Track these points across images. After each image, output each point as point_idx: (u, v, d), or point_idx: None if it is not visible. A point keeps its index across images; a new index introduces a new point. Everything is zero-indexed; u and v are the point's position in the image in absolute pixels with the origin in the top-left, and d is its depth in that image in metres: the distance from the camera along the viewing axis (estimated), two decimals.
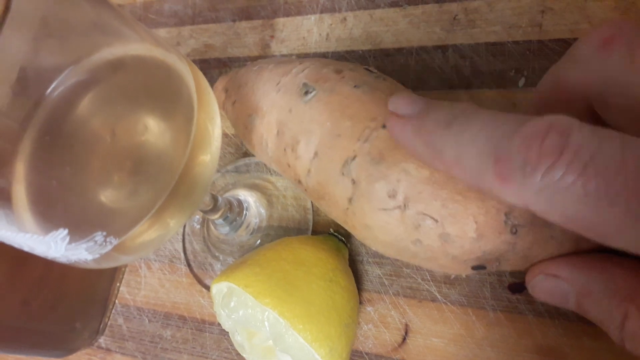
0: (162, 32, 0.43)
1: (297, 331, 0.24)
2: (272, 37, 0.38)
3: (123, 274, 0.37)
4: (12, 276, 0.31)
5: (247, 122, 0.28)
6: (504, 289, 0.27)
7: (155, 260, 0.37)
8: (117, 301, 0.37)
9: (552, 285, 0.21)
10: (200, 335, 0.34)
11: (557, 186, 0.15)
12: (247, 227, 0.34)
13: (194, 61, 0.41)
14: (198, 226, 0.36)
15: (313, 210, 0.33)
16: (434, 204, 0.21)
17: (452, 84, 0.32)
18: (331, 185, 0.24)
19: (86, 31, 0.22)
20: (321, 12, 0.37)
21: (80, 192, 0.20)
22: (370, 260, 0.31)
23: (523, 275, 0.27)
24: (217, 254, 0.34)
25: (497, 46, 0.31)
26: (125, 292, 0.37)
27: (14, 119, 0.20)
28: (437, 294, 0.29)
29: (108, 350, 0.36)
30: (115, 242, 0.21)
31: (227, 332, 0.32)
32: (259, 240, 0.33)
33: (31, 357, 0.38)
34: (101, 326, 0.37)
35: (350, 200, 0.24)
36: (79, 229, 0.20)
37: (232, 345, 0.32)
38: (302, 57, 0.37)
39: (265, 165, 0.35)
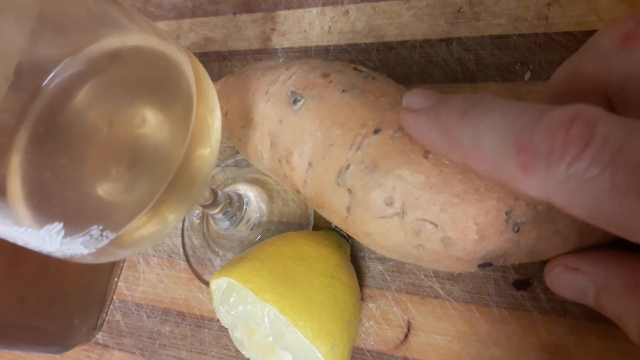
0: (161, 25, 0.42)
1: (298, 328, 0.24)
2: (273, 30, 0.38)
3: (121, 270, 0.37)
4: (8, 272, 0.31)
5: (241, 134, 0.28)
6: (508, 285, 0.27)
7: (153, 256, 0.36)
8: (115, 297, 0.37)
9: (571, 278, 0.21)
10: (199, 331, 0.33)
11: (582, 177, 0.15)
12: (247, 222, 0.33)
13: (194, 55, 0.40)
14: (197, 221, 0.36)
15: None
16: (433, 209, 0.21)
17: (456, 78, 0.31)
18: (328, 195, 0.24)
19: (84, 21, 0.22)
20: (323, 4, 0.36)
21: (75, 184, 0.20)
22: (372, 256, 0.30)
23: (528, 271, 0.27)
24: (216, 250, 0.34)
25: (503, 39, 0.31)
26: (124, 287, 0.37)
27: (9, 111, 0.20)
28: (440, 291, 0.28)
29: (106, 346, 0.36)
30: (111, 236, 0.20)
31: (227, 329, 0.31)
32: (260, 236, 0.33)
33: (28, 353, 0.38)
34: (99, 322, 0.36)
35: (348, 209, 0.23)
36: (74, 223, 0.19)
37: (231, 341, 0.32)
38: (303, 50, 0.36)
39: None
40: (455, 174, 0.21)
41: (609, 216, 0.15)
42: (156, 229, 0.22)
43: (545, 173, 0.16)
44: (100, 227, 0.20)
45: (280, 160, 0.26)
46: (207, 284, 0.34)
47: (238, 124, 0.28)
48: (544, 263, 0.23)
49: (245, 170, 0.35)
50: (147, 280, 0.36)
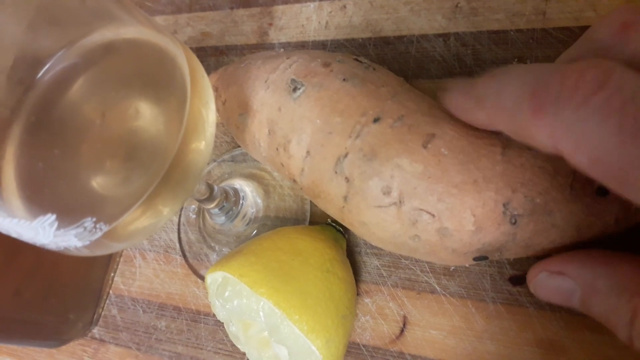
0: (158, 20, 0.42)
1: (293, 322, 0.23)
2: (270, 24, 0.38)
3: (117, 264, 0.37)
4: (3, 266, 0.31)
5: (239, 122, 0.28)
6: (504, 281, 0.27)
7: (150, 251, 0.36)
8: (111, 291, 0.37)
9: (556, 282, 0.21)
10: (195, 326, 0.33)
11: (591, 119, 0.15)
12: (244, 217, 0.33)
13: (191, 49, 0.40)
14: (194, 216, 0.35)
15: (310, 201, 0.32)
16: (430, 199, 0.21)
17: (453, 73, 0.31)
18: (325, 184, 0.24)
19: (79, 14, 0.22)
20: None
21: (68, 176, 0.20)
22: (368, 251, 0.30)
23: (524, 267, 0.27)
24: (212, 245, 0.34)
25: (500, 34, 0.31)
26: (120, 282, 0.36)
27: (4, 103, 0.20)
28: (436, 286, 0.28)
29: (102, 340, 0.36)
30: (105, 228, 0.20)
31: (223, 323, 0.31)
32: (256, 231, 0.33)
33: (24, 347, 0.38)
34: (95, 317, 0.36)
35: (345, 198, 0.23)
36: (68, 215, 0.19)
37: (227, 336, 0.32)
38: (301, 45, 0.36)
39: None
40: (454, 165, 0.21)
41: (611, 164, 0.15)
42: (150, 222, 0.22)
43: (554, 115, 0.16)
44: (94, 220, 0.20)
45: (277, 149, 0.26)
46: (203, 278, 0.34)
47: (236, 111, 0.28)
48: (539, 259, 0.23)
49: (242, 165, 0.35)
50: (144, 275, 0.36)
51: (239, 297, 0.25)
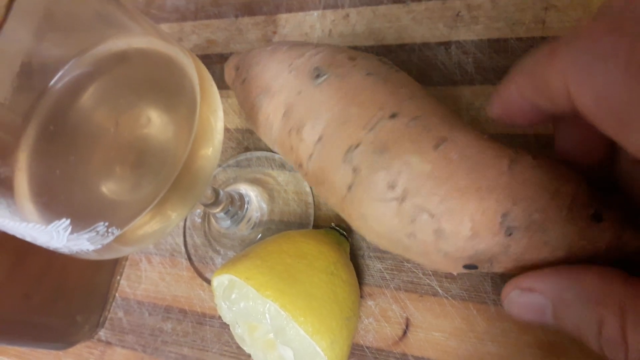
0: (164, 28, 0.43)
1: (299, 324, 0.24)
2: (274, 33, 0.38)
3: (123, 268, 0.37)
4: (13, 270, 0.31)
5: (255, 101, 0.28)
6: (505, 283, 0.27)
7: (155, 254, 0.37)
8: (117, 294, 0.37)
9: (527, 299, 0.21)
10: (200, 328, 0.34)
11: (600, 56, 0.15)
12: (248, 221, 0.34)
13: (196, 56, 0.41)
14: (199, 220, 0.36)
15: (314, 205, 0.33)
16: (433, 199, 0.21)
17: (455, 81, 0.32)
18: (332, 172, 0.24)
19: (90, 23, 0.22)
20: (324, 8, 0.37)
21: (82, 182, 0.20)
22: (371, 254, 0.31)
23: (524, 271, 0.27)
24: (218, 248, 0.34)
25: (501, 42, 0.31)
26: (126, 285, 0.37)
27: (16, 111, 0.20)
28: (438, 288, 0.29)
29: (108, 343, 0.36)
30: (117, 232, 0.21)
31: (228, 326, 0.32)
32: (260, 235, 0.33)
33: (32, 349, 0.38)
34: (101, 319, 0.37)
35: (349, 187, 0.24)
36: (81, 219, 0.20)
37: (232, 338, 0.33)
38: None
39: (266, 159, 0.35)
40: (461, 170, 0.21)
41: (615, 103, 0.15)
42: (159, 226, 0.23)
43: (566, 52, 0.16)
44: (106, 224, 0.20)
45: (290, 131, 0.26)
46: (208, 282, 0.34)
47: (254, 92, 0.28)
48: None
49: (246, 170, 0.36)
50: (149, 279, 0.36)
51: (245, 300, 0.25)
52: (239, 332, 0.28)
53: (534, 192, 0.21)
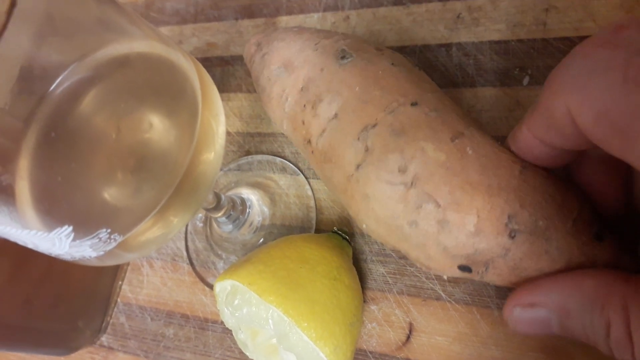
0: (164, 31, 0.43)
1: (302, 329, 0.24)
2: None
3: (125, 273, 0.37)
4: (14, 275, 0.31)
5: (273, 74, 0.28)
6: (508, 287, 0.27)
7: (157, 259, 0.37)
8: (119, 300, 0.37)
9: (531, 315, 0.21)
10: (202, 333, 0.34)
11: (597, 71, 0.15)
12: (250, 225, 0.33)
13: (197, 60, 0.41)
14: (201, 224, 0.36)
15: (316, 209, 0.33)
16: (442, 189, 0.21)
17: (455, 82, 0.32)
18: (343, 149, 0.24)
19: (90, 28, 0.22)
20: (324, 10, 0.37)
21: (84, 188, 0.20)
22: (374, 258, 0.31)
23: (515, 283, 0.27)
24: (219, 253, 0.34)
25: (501, 44, 0.31)
26: (128, 290, 0.37)
27: (17, 116, 0.20)
28: (442, 293, 0.28)
29: (110, 348, 0.36)
30: (119, 239, 0.21)
31: (230, 331, 0.32)
32: (262, 239, 0.33)
33: (33, 355, 0.38)
34: (103, 324, 0.37)
35: (358, 166, 0.23)
36: (84, 226, 0.20)
37: (235, 343, 0.32)
38: None
39: (267, 163, 0.35)
40: (474, 165, 0.21)
41: (616, 117, 0.15)
42: (162, 232, 0.23)
43: (564, 73, 0.16)
44: (109, 230, 0.20)
45: (305, 105, 0.26)
46: (210, 286, 0.34)
47: (275, 64, 0.28)
48: None
49: (248, 174, 0.36)
50: (151, 284, 0.36)
51: (248, 305, 0.25)
52: (242, 337, 0.28)
53: (542, 199, 0.21)
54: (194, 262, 0.35)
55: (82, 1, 0.21)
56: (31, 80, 0.20)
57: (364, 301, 0.30)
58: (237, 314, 0.25)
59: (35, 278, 0.32)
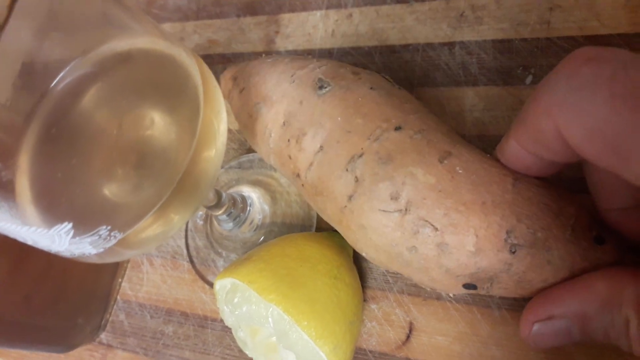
0: (165, 27, 0.43)
1: (302, 328, 0.24)
2: (277, 32, 0.38)
3: (125, 270, 0.37)
4: (13, 271, 0.31)
5: (253, 111, 0.28)
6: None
7: (157, 256, 0.36)
8: (118, 297, 0.37)
9: (552, 327, 0.21)
10: (202, 331, 0.34)
11: (584, 88, 0.15)
12: (251, 223, 0.33)
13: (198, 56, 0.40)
14: (201, 222, 0.36)
15: None
16: (437, 212, 0.21)
17: (458, 81, 0.31)
18: (332, 181, 0.24)
19: (92, 23, 0.22)
20: (327, 7, 0.37)
21: (84, 185, 0.20)
22: None
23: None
24: (220, 250, 0.34)
25: (505, 43, 0.31)
26: (127, 288, 0.37)
27: (17, 112, 0.20)
28: (442, 292, 0.28)
29: (109, 346, 0.36)
30: (119, 236, 0.20)
31: (230, 329, 0.32)
32: (263, 237, 0.33)
33: (33, 352, 0.38)
34: (103, 322, 0.37)
35: (350, 197, 0.23)
36: (84, 223, 0.19)
37: (234, 341, 0.32)
38: (307, 53, 0.37)
39: None
40: (466, 184, 0.21)
41: (606, 133, 0.15)
42: (162, 229, 0.23)
43: (549, 91, 0.16)
44: (109, 228, 0.20)
45: (289, 140, 0.26)
46: (210, 284, 0.34)
47: (253, 100, 0.28)
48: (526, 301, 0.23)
49: (249, 172, 0.35)
50: (151, 281, 0.36)
51: (248, 303, 0.25)
52: (241, 335, 0.28)
53: (538, 210, 0.21)
54: (194, 259, 0.35)
55: None
56: (33, 75, 0.20)
57: (364, 300, 0.30)
58: (236, 312, 0.25)
59: (35, 275, 0.32)
